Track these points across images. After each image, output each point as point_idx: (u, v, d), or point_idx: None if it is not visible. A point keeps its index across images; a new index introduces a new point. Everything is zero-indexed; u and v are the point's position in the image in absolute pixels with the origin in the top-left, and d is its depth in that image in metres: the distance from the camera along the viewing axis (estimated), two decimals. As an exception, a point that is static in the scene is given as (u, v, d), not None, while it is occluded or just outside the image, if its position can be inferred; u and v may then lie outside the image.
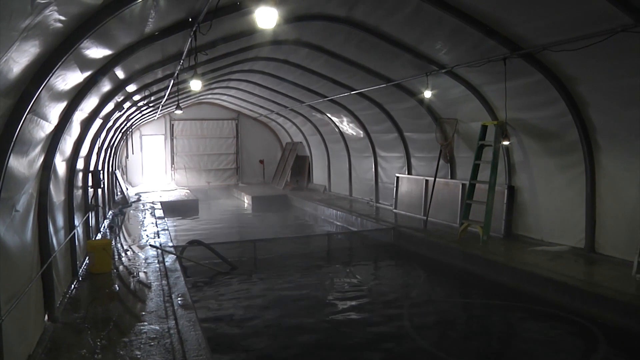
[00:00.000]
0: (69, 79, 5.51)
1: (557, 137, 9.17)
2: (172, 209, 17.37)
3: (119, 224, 13.15)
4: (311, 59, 12.22)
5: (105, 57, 6.28)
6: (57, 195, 6.61)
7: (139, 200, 18.39)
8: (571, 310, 6.94)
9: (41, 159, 5.62)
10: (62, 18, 3.93)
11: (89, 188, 9.74)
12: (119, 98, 9.61)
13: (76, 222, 7.88)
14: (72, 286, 7.17)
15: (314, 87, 14.80)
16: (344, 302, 8.15)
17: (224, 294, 8.42)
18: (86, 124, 7.99)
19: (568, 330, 6.61)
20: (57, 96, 5.46)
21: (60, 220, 6.81)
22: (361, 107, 14.80)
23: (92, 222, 10.11)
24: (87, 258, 8.41)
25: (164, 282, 7.47)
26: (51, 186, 6.03)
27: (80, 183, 8.90)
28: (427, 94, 10.47)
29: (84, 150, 8.64)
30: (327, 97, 15.09)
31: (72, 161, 7.66)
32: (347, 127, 17.30)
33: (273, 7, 4.72)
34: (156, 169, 24.55)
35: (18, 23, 3.22)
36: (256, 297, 8.28)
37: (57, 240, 6.39)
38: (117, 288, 7.30)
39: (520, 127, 9.89)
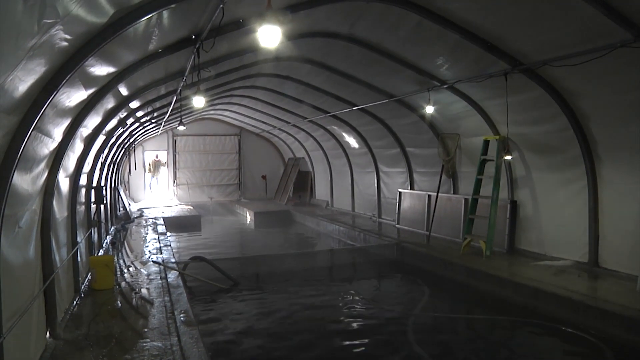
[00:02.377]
0: (73, 96, 5.56)
1: (559, 151, 9.19)
2: (174, 224, 17.35)
3: (122, 240, 13.11)
4: (313, 75, 12.30)
5: (109, 75, 6.34)
6: (60, 211, 6.61)
7: (141, 216, 18.36)
8: (576, 325, 6.88)
9: (45, 176, 5.64)
10: (68, 37, 3.98)
11: (92, 204, 9.73)
12: (122, 114, 9.65)
13: (79, 239, 7.88)
14: (74, 302, 7.14)
15: (316, 102, 14.87)
16: (346, 318, 8.10)
17: (226, 311, 8.37)
18: (89, 141, 8.02)
19: (573, 346, 6.55)
20: (62, 113, 5.50)
21: (63, 236, 6.81)
22: (363, 122, 14.85)
23: (95, 238, 10.11)
24: (89, 274, 8.39)
25: (166, 298, 7.44)
26: (54, 202, 6.04)
27: (83, 199, 8.91)
28: (429, 109, 10.53)
29: (87, 167, 8.66)
30: (330, 112, 15.15)
31: (75, 177, 7.68)
32: (350, 142, 17.34)
33: (276, 24, 4.70)
34: (159, 184, 24.58)
35: (25, 43, 3.27)
36: (258, 314, 8.24)
37: (59, 256, 6.38)
38: (120, 304, 7.27)
39: (522, 141, 9.91)
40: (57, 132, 5.68)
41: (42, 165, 5.40)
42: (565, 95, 8.28)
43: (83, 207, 8.97)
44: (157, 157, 24.26)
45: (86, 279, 8.36)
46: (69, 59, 4.38)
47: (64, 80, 4.40)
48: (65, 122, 5.90)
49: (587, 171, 8.57)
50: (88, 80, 5.74)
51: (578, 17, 6.36)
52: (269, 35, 4.81)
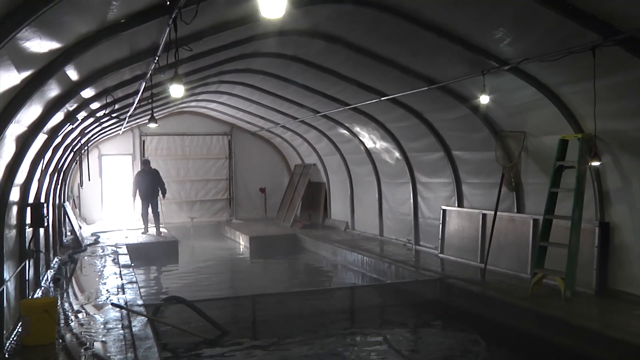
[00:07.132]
0: (0, 80, 5.54)
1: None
2: (142, 254, 17.44)
3: (69, 275, 13.12)
4: (328, 55, 12.30)
5: (52, 52, 6.34)
6: (-21, 238, 6.50)
7: (96, 242, 18.46)
8: None
9: (-42, 190, 5.54)
10: (-11, -2, 3.91)
11: (27, 227, 9.67)
12: (70, 106, 9.66)
13: (6, 275, 7.73)
14: (-7, 366, 7.02)
15: (331, 91, 14.91)
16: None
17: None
18: (24, 141, 7.98)
19: None
20: (-17, 104, 5.45)
21: (-18, 272, 6.68)
22: (394, 117, 14.84)
23: (30, 274, 10.02)
24: (19, 325, 8.25)
25: (129, 355, 7.35)
26: (-29, 226, 5.91)
27: (13, 221, 8.82)
28: (484, 99, 10.36)
29: (20, 177, 8.60)
30: (349, 104, 15.16)
31: (3, 191, 7.61)
32: (376, 144, 17.35)
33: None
34: (121, 200, 24.35)
35: None
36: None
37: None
38: (63, 366, 7.15)
39: (616, 141, 9.66)
40: (-24, 129, 5.62)
41: (-46, 175, 5.29)
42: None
43: (14, 231, 8.86)
44: (147, 160, 21.65)
45: (14, 332, 8.22)
46: (-7, 29, 4.36)
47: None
48: (-11, 116, 5.85)
49: None
50: (22, 59, 5.73)
51: None
52: (272, 3, 4.82)
